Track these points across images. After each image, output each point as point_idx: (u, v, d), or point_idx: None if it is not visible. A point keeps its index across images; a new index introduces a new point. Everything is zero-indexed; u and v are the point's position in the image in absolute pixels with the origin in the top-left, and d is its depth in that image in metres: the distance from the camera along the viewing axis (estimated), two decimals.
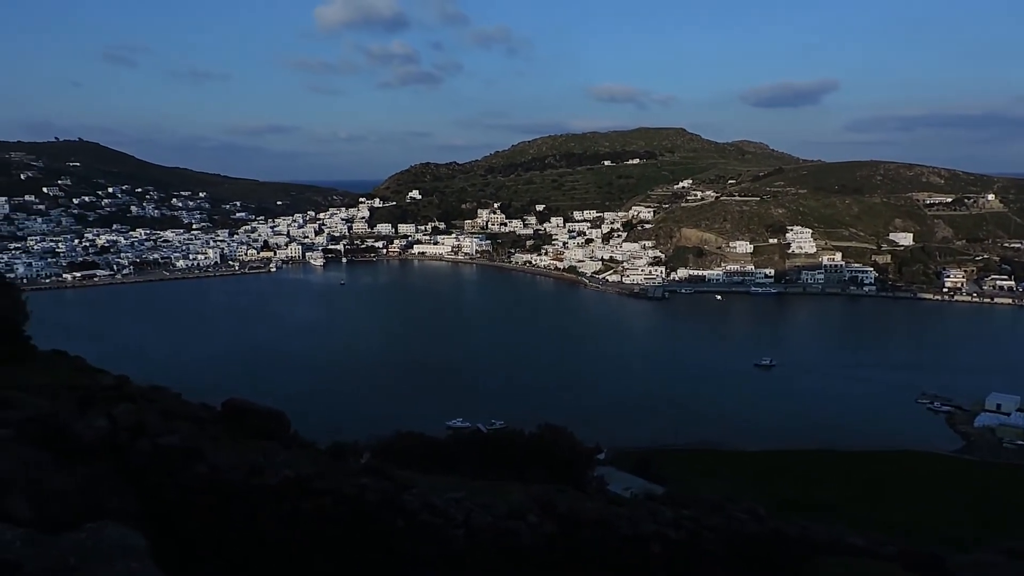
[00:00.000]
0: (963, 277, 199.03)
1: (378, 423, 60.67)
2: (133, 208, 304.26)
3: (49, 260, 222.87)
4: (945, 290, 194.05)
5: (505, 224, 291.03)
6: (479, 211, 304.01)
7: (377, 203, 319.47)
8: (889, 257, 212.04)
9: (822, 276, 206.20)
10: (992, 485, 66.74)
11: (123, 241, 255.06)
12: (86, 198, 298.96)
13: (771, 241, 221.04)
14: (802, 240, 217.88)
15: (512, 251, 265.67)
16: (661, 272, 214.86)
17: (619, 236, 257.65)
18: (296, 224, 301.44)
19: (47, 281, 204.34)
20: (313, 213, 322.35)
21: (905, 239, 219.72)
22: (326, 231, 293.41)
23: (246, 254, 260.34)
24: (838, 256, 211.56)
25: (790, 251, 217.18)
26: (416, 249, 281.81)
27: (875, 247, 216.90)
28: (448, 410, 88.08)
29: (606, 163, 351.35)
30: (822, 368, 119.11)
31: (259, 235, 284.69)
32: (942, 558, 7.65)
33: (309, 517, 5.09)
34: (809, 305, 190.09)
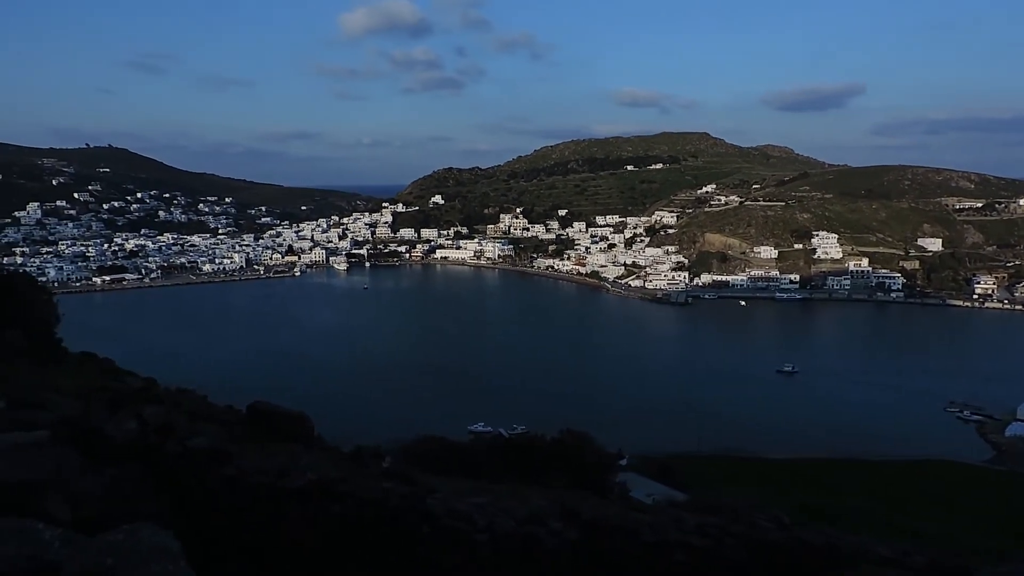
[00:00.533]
0: (994, 283, 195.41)
1: (400, 427, 60.93)
2: (161, 213, 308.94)
3: (79, 264, 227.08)
4: (975, 297, 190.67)
5: (527, 229, 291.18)
6: (501, 216, 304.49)
7: (400, 208, 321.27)
8: (917, 263, 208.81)
9: (848, 282, 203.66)
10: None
11: (151, 246, 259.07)
12: (115, 203, 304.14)
13: (796, 246, 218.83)
14: (828, 245, 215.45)
15: (534, 256, 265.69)
16: (684, 277, 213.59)
17: (642, 241, 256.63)
18: (320, 229, 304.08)
19: (77, 285, 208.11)
20: (337, 218, 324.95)
21: (934, 245, 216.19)
22: (350, 236, 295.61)
23: (271, 258, 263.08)
24: (865, 262, 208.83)
25: (816, 256, 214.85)
26: (438, 254, 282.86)
27: (903, 253, 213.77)
28: (470, 414, 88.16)
29: (629, 168, 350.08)
30: (847, 375, 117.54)
31: (284, 240, 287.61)
32: (971, 570, 7.52)
33: (334, 520, 5.14)
34: (835, 311, 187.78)
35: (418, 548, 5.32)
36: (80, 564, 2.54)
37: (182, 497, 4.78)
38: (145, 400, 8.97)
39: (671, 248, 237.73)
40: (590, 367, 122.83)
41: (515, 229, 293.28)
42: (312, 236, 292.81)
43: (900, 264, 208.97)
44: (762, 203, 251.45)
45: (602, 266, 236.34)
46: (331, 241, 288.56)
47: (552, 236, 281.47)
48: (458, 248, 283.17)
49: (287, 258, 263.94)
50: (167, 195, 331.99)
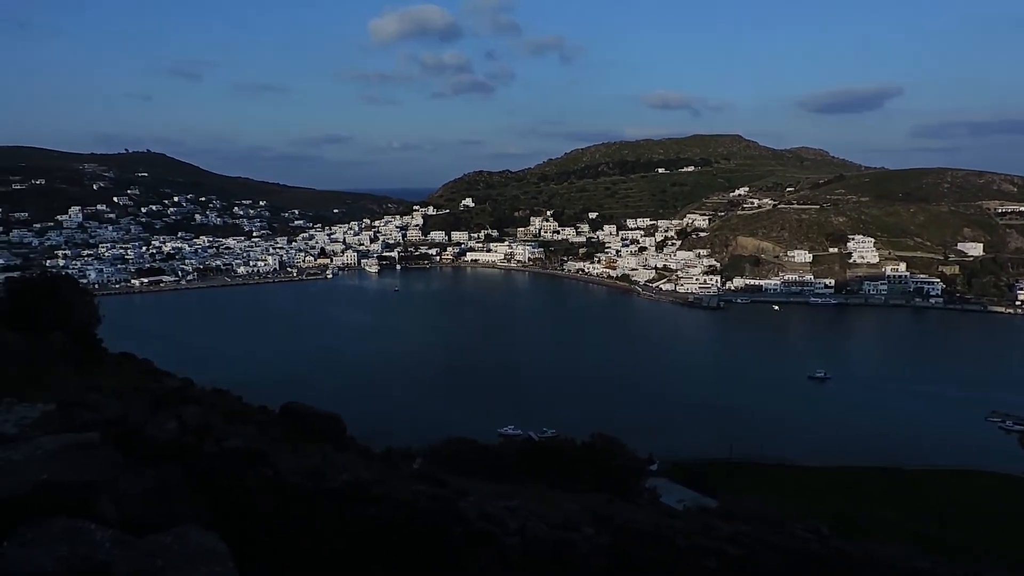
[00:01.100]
0: None
1: (430, 428, 61.20)
2: (197, 216, 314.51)
3: (119, 266, 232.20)
4: (1018, 303, 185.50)
5: (558, 232, 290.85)
6: (532, 219, 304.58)
7: (431, 211, 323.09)
8: (957, 268, 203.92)
9: (885, 287, 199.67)
10: None
11: (187, 248, 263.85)
12: (153, 207, 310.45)
13: (831, 250, 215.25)
14: (864, 249, 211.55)
15: (564, 259, 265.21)
16: (716, 281, 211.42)
17: (673, 244, 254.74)
18: (352, 232, 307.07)
19: (117, 286, 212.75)
20: (368, 221, 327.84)
21: (975, 249, 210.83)
22: (381, 238, 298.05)
23: (303, 261, 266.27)
24: (902, 266, 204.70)
25: (851, 261, 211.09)
26: (469, 256, 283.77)
27: (942, 257, 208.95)
28: (500, 417, 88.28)
29: (660, 171, 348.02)
30: (882, 382, 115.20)
31: (316, 242, 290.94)
32: None
33: (367, 522, 5.18)
34: (871, 317, 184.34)
35: (450, 551, 5.33)
36: (130, 565, 2.57)
37: (218, 498, 4.85)
38: (183, 400, 9.13)
39: (703, 251, 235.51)
40: (620, 371, 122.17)
41: (545, 232, 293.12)
42: (344, 239, 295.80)
43: (939, 269, 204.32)
44: (796, 206, 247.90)
45: (632, 269, 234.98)
46: (363, 244, 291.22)
47: (582, 239, 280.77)
48: (488, 251, 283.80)
49: (319, 261, 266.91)
50: (203, 199, 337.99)
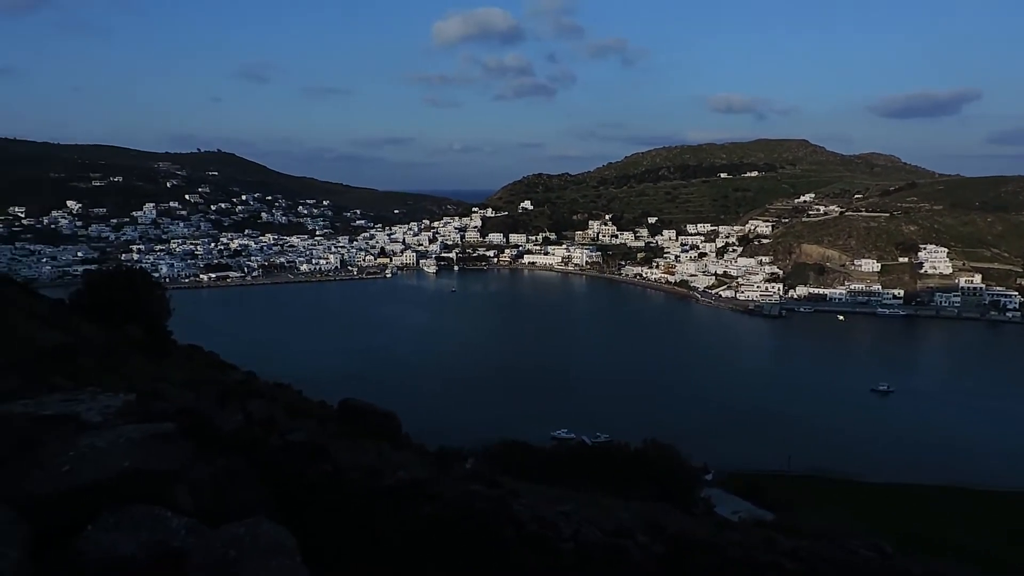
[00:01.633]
0: None
1: (483, 429, 61.46)
2: (263, 215, 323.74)
3: (188, 262, 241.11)
4: None
5: (616, 236, 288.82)
6: (590, 222, 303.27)
7: (489, 213, 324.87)
8: None
9: (958, 299, 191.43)
10: None
11: (253, 245, 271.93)
12: (222, 205, 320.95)
13: (901, 260, 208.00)
14: (936, 260, 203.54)
15: (622, 263, 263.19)
16: (778, 289, 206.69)
17: (734, 251, 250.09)
18: (411, 232, 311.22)
19: (186, 281, 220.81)
20: (428, 221, 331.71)
21: None
22: (439, 239, 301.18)
23: (364, 260, 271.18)
24: (977, 278, 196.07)
25: (922, 271, 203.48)
26: (526, 259, 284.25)
27: (1021, 269, 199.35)
28: (553, 420, 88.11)
29: (722, 175, 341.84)
30: (950, 398, 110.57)
31: (376, 242, 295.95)
32: None
33: (422, 520, 5.26)
34: (942, 330, 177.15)
35: (503, 552, 5.37)
36: (205, 553, 2.66)
37: (280, 490, 5.00)
38: (247, 393, 9.43)
39: (765, 258, 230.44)
40: (676, 377, 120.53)
41: (604, 236, 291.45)
42: (403, 239, 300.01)
43: (1018, 282, 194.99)
44: (864, 213, 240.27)
45: (692, 275, 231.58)
46: (421, 244, 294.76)
47: (641, 243, 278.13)
48: (546, 254, 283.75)
49: (379, 260, 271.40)
50: (269, 198, 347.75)
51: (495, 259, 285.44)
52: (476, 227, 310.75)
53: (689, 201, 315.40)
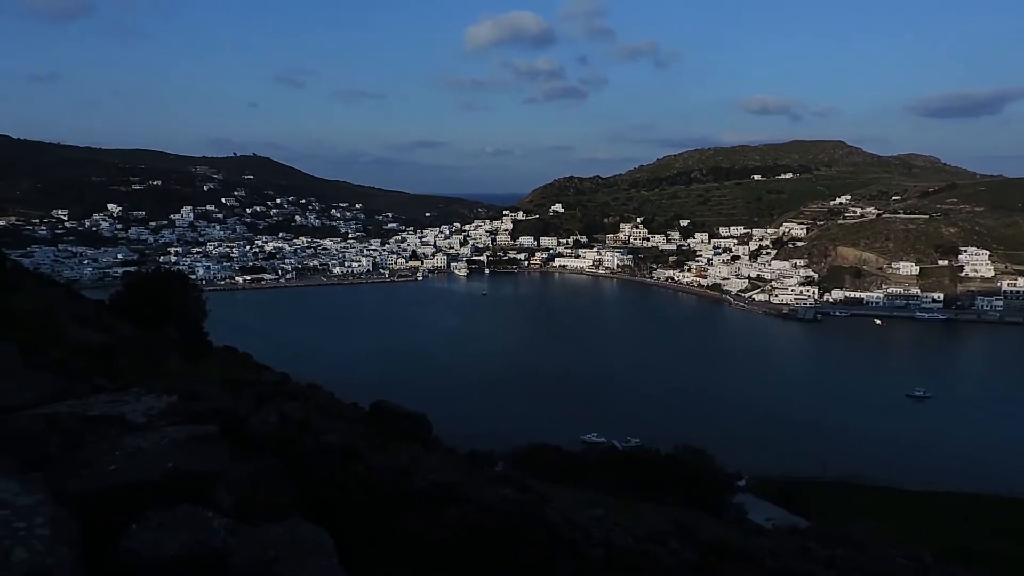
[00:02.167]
0: None
1: (512, 431, 61.45)
2: (297, 218, 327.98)
3: (224, 264, 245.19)
4: None
5: (647, 239, 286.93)
6: (621, 225, 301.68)
7: (520, 216, 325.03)
8: None
9: (1001, 303, 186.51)
10: None
11: (287, 248, 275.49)
12: (257, 208, 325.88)
13: (941, 263, 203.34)
14: (978, 262, 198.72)
15: (654, 266, 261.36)
16: (813, 292, 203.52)
17: (768, 253, 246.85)
18: (442, 235, 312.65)
19: (222, 283, 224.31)
20: (459, 225, 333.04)
21: None
22: (470, 242, 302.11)
23: (396, 263, 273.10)
24: (1021, 281, 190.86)
25: (963, 274, 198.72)
26: (557, 262, 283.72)
27: None
28: (583, 424, 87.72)
29: (756, 177, 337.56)
30: (990, 404, 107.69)
31: (408, 245, 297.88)
32: None
33: (454, 523, 5.29)
34: (983, 334, 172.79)
35: (534, 557, 5.38)
36: (245, 553, 2.71)
37: (314, 491, 5.07)
38: (281, 394, 9.57)
39: (800, 261, 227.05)
40: (709, 381, 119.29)
41: (635, 239, 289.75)
42: (435, 242, 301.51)
43: None
44: (903, 216, 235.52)
45: (724, 278, 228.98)
46: (453, 247, 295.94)
47: (673, 247, 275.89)
48: (577, 257, 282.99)
49: (410, 263, 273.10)
50: (303, 201, 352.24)
51: (526, 262, 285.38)
52: (507, 230, 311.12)
53: (722, 203, 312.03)
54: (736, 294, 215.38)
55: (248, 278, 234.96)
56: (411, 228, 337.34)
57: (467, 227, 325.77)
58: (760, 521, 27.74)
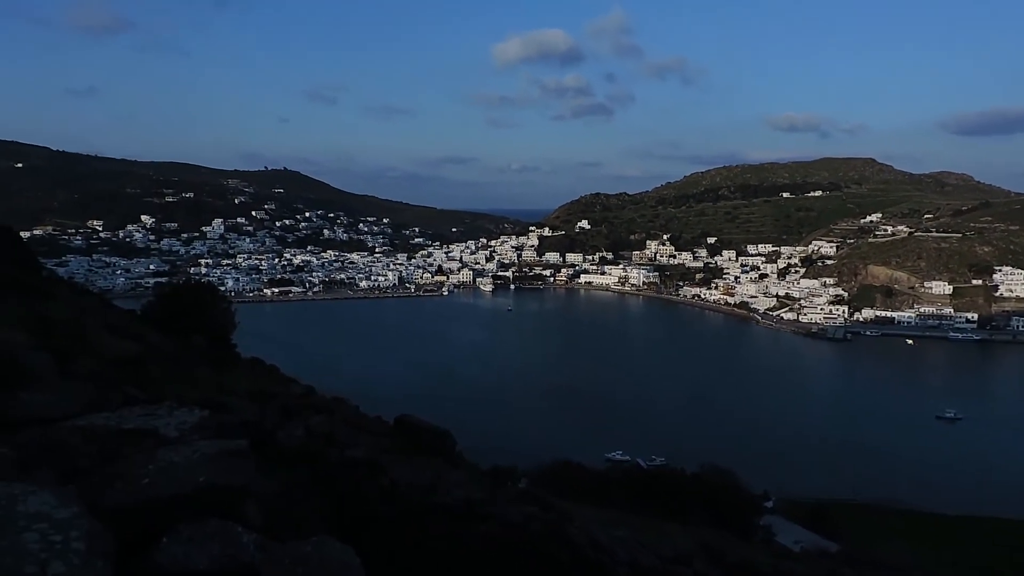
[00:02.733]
0: None
1: (536, 448, 61.17)
2: (325, 231, 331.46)
3: (253, 276, 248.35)
4: None
5: (674, 256, 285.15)
6: (648, 242, 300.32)
7: (546, 232, 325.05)
8: None
9: None
10: None
11: (315, 261, 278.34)
12: (286, 221, 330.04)
13: (975, 282, 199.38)
14: (1013, 282, 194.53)
15: (680, 284, 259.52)
16: (843, 312, 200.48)
17: (796, 272, 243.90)
18: (469, 250, 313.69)
19: (250, 295, 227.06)
20: (485, 240, 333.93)
21: None
22: (496, 258, 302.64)
23: (421, 277, 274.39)
24: None
25: (998, 294, 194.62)
26: (583, 279, 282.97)
27: None
28: (607, 442, 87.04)
29: (784, 195, 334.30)
30: (1023, 425, 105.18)
31: (434, 260, 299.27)
32: None
33: (478, 540, 5.26)
34: (1018, 354, 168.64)
35: None
36: (273, 569, 2.70)
37: (339, 505, 5.08)
38: (308, 407, 9.63)
39: (829, 280, 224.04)
40: (736, 401, 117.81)
41: (661, 256, 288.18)
42: (461, 257, 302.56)
43: None
44: (935, 234, 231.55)
45: (752, 297, 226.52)
46: (478, 263, 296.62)
47: (699, 264, 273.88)
48: (602, 273, 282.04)
49: (436, 278, 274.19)
50: (331, 215, 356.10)
51: (551, 278, 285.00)
52: (533, 246, 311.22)
53: (750, 221, 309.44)
54: (764, 312, 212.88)
55: (276, 290, 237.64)
56: (437, 243, 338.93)
57: (493, 243, 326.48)
58: (788, 544, 27.24)
